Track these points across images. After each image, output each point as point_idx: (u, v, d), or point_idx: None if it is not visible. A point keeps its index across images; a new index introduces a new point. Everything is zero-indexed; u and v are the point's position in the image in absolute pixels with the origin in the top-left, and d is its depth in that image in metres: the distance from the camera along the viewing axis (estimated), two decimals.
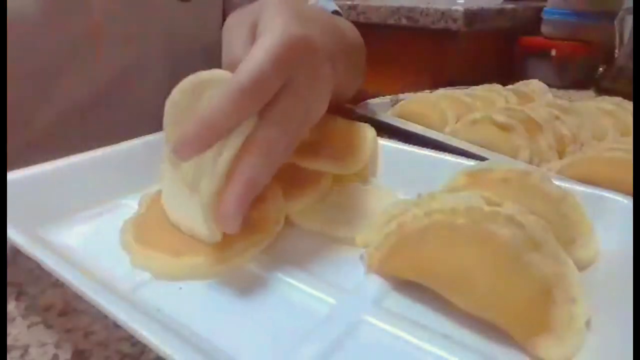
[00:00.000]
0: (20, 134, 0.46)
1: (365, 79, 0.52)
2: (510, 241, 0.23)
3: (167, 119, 0.22)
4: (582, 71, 0.85)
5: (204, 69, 0.28)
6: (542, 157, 0.45)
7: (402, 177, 0.37)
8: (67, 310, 0.25)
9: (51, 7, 0.42)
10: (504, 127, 0.47)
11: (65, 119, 0.47)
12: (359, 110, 0.58)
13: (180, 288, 0.26)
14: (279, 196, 0.31)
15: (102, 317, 0.21)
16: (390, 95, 0.65)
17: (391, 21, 1.00)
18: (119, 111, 0.49)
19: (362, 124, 0.41)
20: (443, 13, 0.92)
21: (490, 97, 0.59)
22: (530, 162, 0.44)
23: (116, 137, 0.36)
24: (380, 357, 0.22)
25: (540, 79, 0.69)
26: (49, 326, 0.24)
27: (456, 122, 0.53)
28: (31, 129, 0.46)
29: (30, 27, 0.42)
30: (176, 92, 0.24)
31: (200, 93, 0.25)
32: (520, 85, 0.67)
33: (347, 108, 0.59)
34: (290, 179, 0.33)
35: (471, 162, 0.34)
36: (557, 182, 0.30)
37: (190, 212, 0.26)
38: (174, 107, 0.24)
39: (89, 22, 0.45)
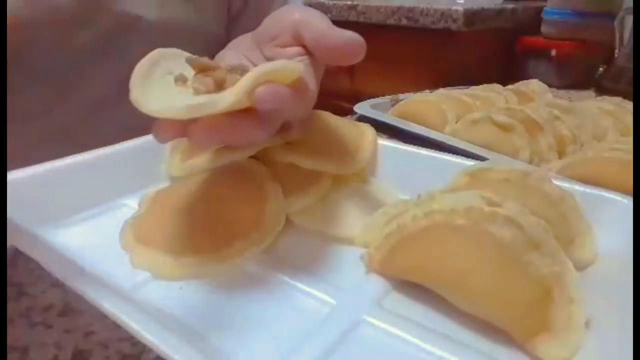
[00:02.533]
0: (37, 129, 0.46)
1: None
2: (509, 242, 0.23)
3: (135, 80, 0.23)
4: (582, 71, 0.85)
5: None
6: (542, 157, 0.45)
7: (402, 177, 0.37)
8: (67, 310, 0.25)
9: (83, 3, 0.42)
10: (504, 127, 0.47)
11: (83, 115, 0.47)
12: (359, 110, 0.58)
13: (181, 288, 0.26)
14: (279, 196, 0.32)
15: (102, 317, 0.21)
16: (390, 95, 0.65)
17: (391, 21, 1.00)
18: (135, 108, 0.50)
19: (362, 124, 0.41)
20: (443, 13, 0.92)
21: (490, 97, 0.59)
22: (530, 162, 0.45)
23: (131, 135, 0.37)
24: (380, 357, 0.22)
25: (540, 79, 0.69)
26: (49, 326, 0.24)
27: (456, 122, 0.53)
28: (49, 125, 0.46)
29: (62, 23, 0.42)
30: (143, 62, 0.25)
31: (159, 63, 0.25)
32: (520, 85, 0.67)
33: (347, 108, 0.59)
34: (290, 179, 0.33)
35: (471, 162, 0.34)
36: (557, 182, 0.30)
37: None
38: (141, 71, 0.24)
39: (117, 18, 0.45)
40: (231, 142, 0.24)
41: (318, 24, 0.28)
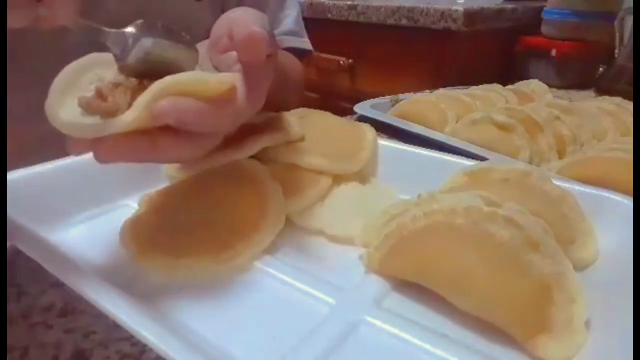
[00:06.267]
0: (35, 131, 0.46)
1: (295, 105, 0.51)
2: (509, 242, 0.23)
3: (54, 86, 0.23)
4: (582, 71, 0.85)
5: None
6: (542, 157, 0.45)
7: (402, 177, 0.37)
8: (67, 310, 0.25)
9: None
10: (504, 127, 0.47)
11: None
12: (359, 110, 0.58)
13: (180, 288, 0.26)
14: (279, 196, 0.32)
15: (102, 317, 0.21)
16: (390, 95, 0.65)
17: (391, 21, 1.00)
18: None
19: (362, 124, 0.41)
20: (443, 13, 0.92)
21: (490, 97, 0.59)
22: (530, 162, 0.44)
23: None
24: (380, 357, 0.22)
25: (540, 79, 0.70)
26: (49, 326, 0.24)
27: (456, 122, 0.53)
28: (47, 126, 0.46)
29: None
30: (71, 66, 0.24)
31: (91, 69, 0.25)
32: (520, 85, 0.67)
33: (347, 108, 0.59)
34: (290, 179, 0.33)
35: (471, 162, 0.34)
36: (557, 182, 0.30)
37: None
38: (65, 77, 0.24)
39: (113, 16, 0.45)
40: (146, 160, 0.23)
41: (244, 22, 0.26)
